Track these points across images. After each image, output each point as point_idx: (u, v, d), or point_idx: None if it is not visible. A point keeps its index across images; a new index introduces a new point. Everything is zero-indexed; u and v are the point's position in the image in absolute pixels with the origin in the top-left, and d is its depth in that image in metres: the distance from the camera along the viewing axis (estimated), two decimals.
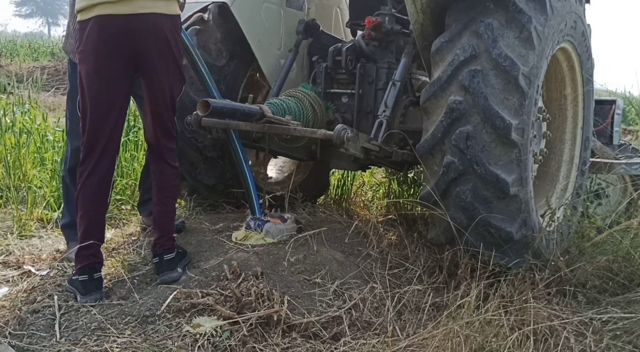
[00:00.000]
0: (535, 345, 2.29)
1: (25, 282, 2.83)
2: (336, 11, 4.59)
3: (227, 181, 3.81)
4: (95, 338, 2.32)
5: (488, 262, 2.83)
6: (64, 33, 3.40)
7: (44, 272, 2.91)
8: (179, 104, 3.56)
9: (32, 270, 2.96)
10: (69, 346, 2.27)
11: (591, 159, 3.95)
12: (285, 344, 2.36)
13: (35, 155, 4.84)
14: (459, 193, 2.83)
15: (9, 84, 7.84)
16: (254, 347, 2.32)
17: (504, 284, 2.71)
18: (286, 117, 3.20)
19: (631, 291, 2.81)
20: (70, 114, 3.28)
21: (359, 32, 3.86)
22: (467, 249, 2.88)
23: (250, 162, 4.07)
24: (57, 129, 5.27)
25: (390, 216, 4.03)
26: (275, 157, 4.33)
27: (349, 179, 4.88)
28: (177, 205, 3.94)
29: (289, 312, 2.49)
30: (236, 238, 3.19)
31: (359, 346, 2.40)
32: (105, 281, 2.80)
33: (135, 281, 2.80)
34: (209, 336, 2.31)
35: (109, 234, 3.56)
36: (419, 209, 3.69)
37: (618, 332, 2.40)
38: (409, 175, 4.37)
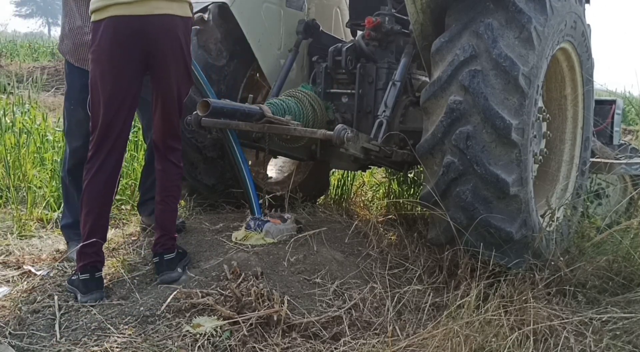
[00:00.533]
0: (535, 345, 2.30)
1: (25, 282, 2.84)
2: (336, 11, 4.59)
3: (227, 181, 3.81)
4: (95, 338, 2.32)
5: (488, 262, 2.83)
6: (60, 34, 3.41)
7: (44, 272, 2.91)
8: None
9: (32, 270, 2.96)
10: (69, 346, 2.27)
11: (591, 159, 3.95)
12: (285, 344, 2.36)
13: (35, 155, 4.84)
14: (459, 193, 2.83)
15: (9, 84, 7.84)
16: (254, 347, 2.32)
17: (504, 284, 2.71)
18: (286, 117, 3.20)
19: (631, 291, 2.81)
20: (68, 115, 3.29)
21: (359, 32, 3.85)
22: (467, 249, 2.88)
23: (250, 162, 4.08)
24: (57, 129, 5.27)
25: (390, 216, 4.03)
26: (275, 157, 4.33)
27: (349, 179, 4.88)
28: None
29: (289, 312, 2.49)
30: (236, 238, 3.19)
31: (359, 346, 2.40)
32: (105, 280, 2.80)
33: (135, 281, 2.80)
34: (209, 336, 2.31)
35: (109, 234, 3.55)
36: (419, 209, 3.69)
37: (618, 332, 2.40)
38: (409, 175, 4.37)
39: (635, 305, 2.66)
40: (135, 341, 2.28)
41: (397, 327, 2.55)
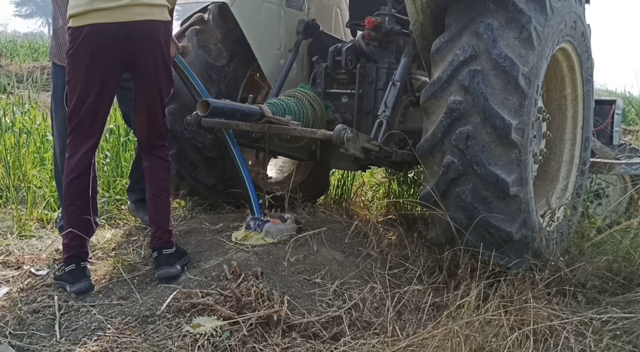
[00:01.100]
0: (535, 345, 2.29)
1: (25, 282, 2.84)
2: (336, 11, 4.59)
3: (227, 181, 3.80)
4: (95, 338, 2.32)
5: (488, 262, 2.83)
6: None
7: (44, 272, 2.91)
8: (177, 103, 3.60)
9: (32, 270, 2.96)
10: (69, 346, 2.27)
11: (591, 159, 3.95)
12: (285, 344, 2.36)
13: (35, 155, 4.84)
14: (459, 193, 2.83)
15: (9, 84, 7.85)
16: (254, 347, 2.32)
17: (504, 284, 2.71)
18: (286, 117, 3.20)
19: (631, 291, 2.81)
20: (54, 114, 3.32)
21: (359, 32, 3.85)
22: (467, 249, 2.88)
23: (250, 162, 4.08)
24: None
25: (390, 216, 4.03)
26: (275, 157, 4.33)
27: (349, 179, 4.88)
28: (172, 201, 3.98)
29: (289, 312, 2.49)
30: (236, 238, 3.19)
31: (359, 346, 2.40)
32: (105, 280, 2.80)
33: (135, 281, 2.80)
34: (209, 336, 2.31)
35: (109, 234, 3.57)
36: (419, 209, 3.69)
37: (618, 332, 2.40)
38: (409, 175, 4.37)
39: (635, 305, 2.66)
40: (135, 341, 2.28)
41: (397, 327, 2.55)
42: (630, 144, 5.15)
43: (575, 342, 2.31)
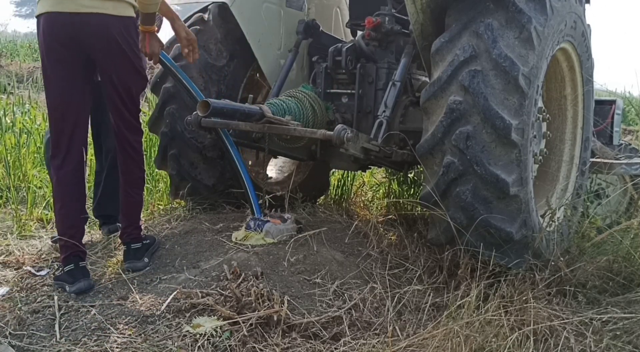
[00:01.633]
0: (535, 345, 2.29)
1: (26, 282, 2.84)
2: (336, 11, 4.59)
3: (227, 181, 3.80)
4: (95, 338, 2.32)
5: (488, 262, 2.83)
6: None
7: (44, 272, 2.91)
8: (177, 103, 3.60)
9: (32, 270, 2.96)
10: (69, 346, 2.27)
11: (591, 159, 3.95)
12: (285, 344, 2.36)
13: (35, 155, 4.84)
14: (459, 193, 2.83)
15: (9, 84, 7.85)
16: (254, 347, 2.32)
17: (504, 284, 2.71)
18: (286, 118, 3.20)
19: (631, 291, 2.81)
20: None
21: (359, 32, 3.85)
22: (467, 249, 2.88)
23: (250, 163, 4.08)
24: None
25: (390, 216, 4.03)
26: (275, 157, 4.33)
27: (349, 179, 4.88)
28: (173, 201, 3.98)
29: (289, 312, 2.49)
30: (236, 238, 3.19)
31: (359, 346, 2.40)
32: (105, 280, 2.80)
33: (135, 281, 2.80)
34: (209, 336, 2.31)
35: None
36: (419, 209, 3.69)
37: (618, 333, 2.40)
38: (409, 175, 4.37)
39: (635, 305, 2.66)
40: (135, 341, 2.28)
41: (397, 327, 2.55)
42: (630, 144, 5.15)
43: (576, 342, 2.31)
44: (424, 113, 2.98)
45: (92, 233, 3.64)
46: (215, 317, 2.42)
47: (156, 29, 2.99)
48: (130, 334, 2.33)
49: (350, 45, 3.65)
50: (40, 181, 4.51)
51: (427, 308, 2.75)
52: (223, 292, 2.54)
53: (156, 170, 4.37)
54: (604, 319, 2.50)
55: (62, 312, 2.52)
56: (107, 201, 3.50)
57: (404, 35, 3.70)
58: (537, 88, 2.93)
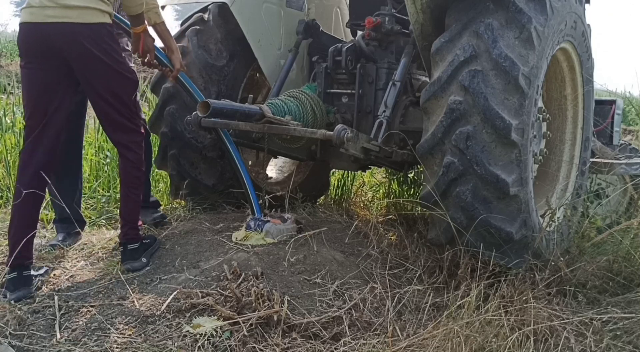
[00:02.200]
0: (535, 345, 2.29)
1: None
2: (336, 11, 4.59)
3: (227, 181, 3.80)
4: (95, 338, 2.32)
5: (488, 262, 2.83)
6: None
7: (43, 271, 2.91)
8: (177, 104, 3.60)
9: (32, 270, 2.95)
10: (69, 346, 2.27)
11: (591, 159, 3.95)
12: (285, 344, 2.36)
13: None
14: (459, 193, 2.83)
15: (9, 84, 7.85)
16: (254, 347, 2.32)
17: (504, 284, 2.71)
18: (286, 118, 3.20)
19: (631, 291, 2.81)
20: None
21: (359, 32, 3.85)
22: (467, 249, 2.88)
23: (250, 163, 4.08)
24: None
25: (390, 216, 4.03)
26: (276, 157, 4.33)
27: (349, 179, 4.88)
28: (173, 201, 3.98)
29: (289, 312, 2.49)
30: (236, 238, 3.19)
31: (359, 346, 2.40)
32: (105, 280, 2.80)
33: (135, 281, 2.80)
34: (209, 336, 2.31)
35: (108, 234, 3.56)
36: (419, 209, 3.69)
37: (618, 333, 2.40)
38: (409, 175, 4.37)
39: (635, 305, 2.66)
40: (135, 341, 2.28)
41: (397, 327, 2.55)
42: (630, 144, 5.15)
43: (576, 342, 2.31)
44: (424, 113, 2.98)
45: (93, 233, 3.64)
46: (216, 317, 2.42)
47: (146, 26, 3.00)
48: (130, 334, 2.33)
49: (350, 45, 3.65)
50: None
51: (427, 308, 2.75)
52: (223, 292, 2.54)
53: (156, 170, 4.37)
54: (604, 319, 2.50)
55: (62, 312, 2.51)
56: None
57: (404, 35, 3.70)
58: (537, 88, 2.93)
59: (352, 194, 4.77)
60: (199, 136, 3.63)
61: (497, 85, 2.75)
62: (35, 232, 2.83)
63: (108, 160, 4.78)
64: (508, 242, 2.83)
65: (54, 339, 2.32)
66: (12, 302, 2.58)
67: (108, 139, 3.08)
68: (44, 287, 2.76)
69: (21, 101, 6.59)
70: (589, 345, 2.30)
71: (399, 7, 3.65)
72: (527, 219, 2.90)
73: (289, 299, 2.59)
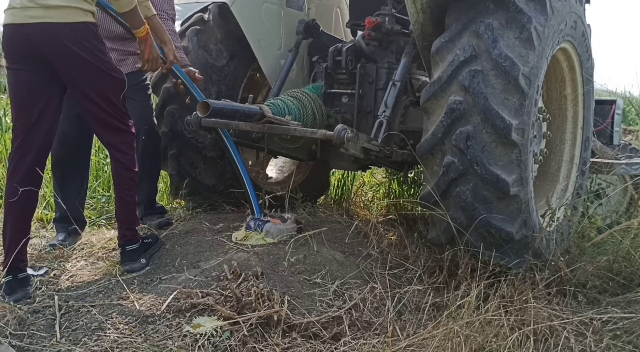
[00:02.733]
0: (535, 345, 2.29)
1: None
2: (336, 11, 4.59)
3: (227, 181, 3.81)
4: (95, 338, 2.32)
5: (488, 262, 2.83)
6: None
7: (43, 271, 2.91)
8: (177, 104, 3.60)
9: (32, 270, 2.95)
10: (69, 346, 2.27)
11: (591, 159, 3.95)
12: (285, 344, 2.36)
13: None
14: (459, 193, 2.83)
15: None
16: (254, 347, 2.32)
17: (504, 284, 2.71)
18: (286, 117, 3.20)
19: (631, 291, 2.81)
20: None
21: (359, 32, 3.85)
22: (467, 249, 2.88)
23: (250, 163, 4.08)
24: None
25: (390, 216, 4.03)
26: (276, 157, 4.33)
27: (349, 179, 4.88)
28: (173, 201, 3.97)
29: (289, 312, 2.49)
30: (236, 238, 3.19)
31: (359, 346, 2.40)
32: (105, 280, 2.80)
33: (135, 281, 2.80)
34: (209, 336, 2.31)
35: (108, 234, 3.56)
36: (419, 209, 3.69)
37: (618, 332, 2.40)
38: (409, 175, 4.37)
39: (635, 305, 2.66)
40: (135, 341, 2.28)
41: (397, 327, 2.55)
42: (630, 144, 5.15)
43: (576, 342, 2.31)
44: (424, 113, 2.98)
45: (93, 233, 3.64)
46: (216, 317, 2.42)
47: (148, 31, 2.96)
48: (130, 334, 2.33)
49: (350, 45, 3.65)
50: None
51: (427, 308, 2.75)
52: (223, 292, 2.54)
53: None
54: (604, 319, 2.50)
55: (62, 312, 2.51)
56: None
57: (404, 35, 3.70)
58: (538, 88, 2.93)
59: (352, 194, 4.77)
60: (199, 136, 3.63)
61: (497, 85, 2.75)
62: (29, 235, 2.80)
63: (108, 160, 4.77)
64: (508, 242, 2.83)
65: (54, 339, 2.32)
66: (12, 303, 2.58)
67: (100, 140, 3.05)
68: (44, 287, 2.76)
69: None
70: (589, 345, 2.30)
71: (399, 7, 3.65)
72: (527, 219, 2.90)
73: (289, 299, 2.59)
